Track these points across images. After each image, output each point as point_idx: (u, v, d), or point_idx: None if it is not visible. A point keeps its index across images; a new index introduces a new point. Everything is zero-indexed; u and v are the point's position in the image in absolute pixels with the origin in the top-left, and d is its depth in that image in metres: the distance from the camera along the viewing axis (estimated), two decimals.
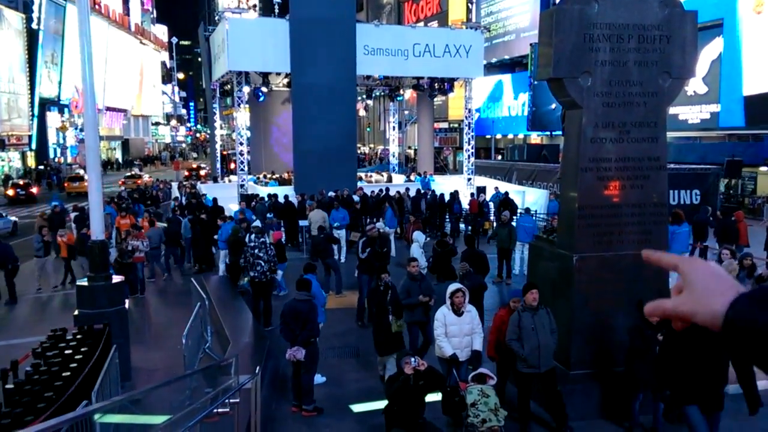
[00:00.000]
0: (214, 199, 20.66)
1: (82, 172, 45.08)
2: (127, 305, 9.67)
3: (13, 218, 25.45)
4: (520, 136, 45.67)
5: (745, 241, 14.91)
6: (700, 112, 31.89)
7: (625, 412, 7.53)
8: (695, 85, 31.01)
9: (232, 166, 36.20)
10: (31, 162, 50.62)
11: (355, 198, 21.44)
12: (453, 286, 7.99)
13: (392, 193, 21.94)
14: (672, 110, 29.71)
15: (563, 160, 9.16)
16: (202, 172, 46.09)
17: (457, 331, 7.71)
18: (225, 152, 43.62)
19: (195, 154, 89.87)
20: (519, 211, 20.31)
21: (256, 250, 11.96)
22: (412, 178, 29.90)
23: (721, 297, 1.04)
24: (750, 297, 1.01)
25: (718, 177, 24.98)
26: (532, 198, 24.46)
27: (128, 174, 46.68)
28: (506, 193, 21.92)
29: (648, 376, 7.11)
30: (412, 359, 6.48)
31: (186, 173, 46.87)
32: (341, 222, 17.61)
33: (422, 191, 23.08)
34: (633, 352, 7.21)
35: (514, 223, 16.62)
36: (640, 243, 7.68)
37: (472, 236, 14.78)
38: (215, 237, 15.83)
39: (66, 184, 40.75)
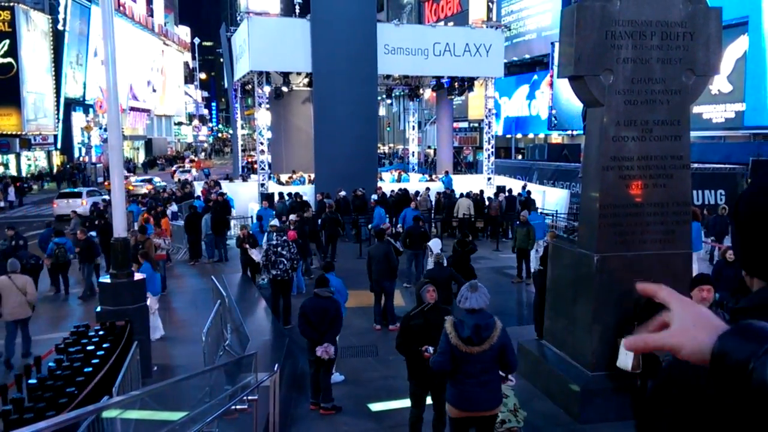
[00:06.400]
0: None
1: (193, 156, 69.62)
2: (148, 302, 9.75)
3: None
4: (541, 135, 45.38)
5: None
6: (724, 111, 31.36)
7: None
8: (720, 84, 30.50)
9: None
10: (57, 161, 51.36)
11: (374, 197, 21.46)
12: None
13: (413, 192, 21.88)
14: (696, 109, 29.26)
15: (584, 158, 9.05)
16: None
17: None
18: (249, 158, 43.70)
19: (202, 155, 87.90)
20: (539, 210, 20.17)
21: (279, 248, 12.02)
22: (435, 178, 29.65)
23: (709, 332, 1.09)
24: (734, 331, 1.06)
25: (744, 177, 24.58)
26: (553, 198, 24.25)
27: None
28: (528, 192, 21.75)
29: None
30: (431, 287, 6.68)
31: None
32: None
33: (448, 191, 22.91)
34: None
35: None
36: (662, 243, 7.58)
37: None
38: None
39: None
